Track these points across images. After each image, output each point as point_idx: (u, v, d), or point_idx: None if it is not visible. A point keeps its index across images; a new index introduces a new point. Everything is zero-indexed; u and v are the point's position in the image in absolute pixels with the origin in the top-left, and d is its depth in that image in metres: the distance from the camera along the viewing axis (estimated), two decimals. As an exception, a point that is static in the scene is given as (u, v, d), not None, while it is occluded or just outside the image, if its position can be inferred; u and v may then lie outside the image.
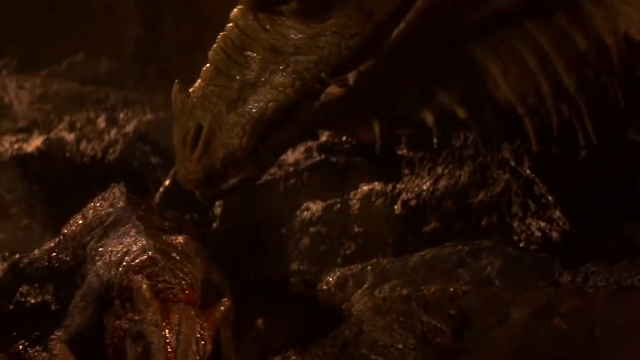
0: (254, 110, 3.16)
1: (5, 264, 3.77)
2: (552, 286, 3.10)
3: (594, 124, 3.22)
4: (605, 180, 3.49)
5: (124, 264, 3.15)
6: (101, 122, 5.82)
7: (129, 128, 5.50)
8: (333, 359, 3.00)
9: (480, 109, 3.33)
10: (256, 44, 3.14)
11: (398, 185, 3.99)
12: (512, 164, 3.62)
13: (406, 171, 4.04)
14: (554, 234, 3.47)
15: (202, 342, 2.86)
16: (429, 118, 3.27)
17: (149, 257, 3.12)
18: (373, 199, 4.01)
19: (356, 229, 4.00)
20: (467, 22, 3.12)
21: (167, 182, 4.47)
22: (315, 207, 4.14)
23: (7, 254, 4.01)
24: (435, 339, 2.92)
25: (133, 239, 3.29)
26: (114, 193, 3.74)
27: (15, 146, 5.37)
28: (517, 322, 2.84)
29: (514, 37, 3.16)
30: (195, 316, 2.90)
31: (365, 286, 3.44)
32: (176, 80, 3.29)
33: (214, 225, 4.44)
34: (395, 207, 3.95)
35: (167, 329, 2.83)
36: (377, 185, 4.04)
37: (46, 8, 8.13)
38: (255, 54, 3.16)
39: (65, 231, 3.68)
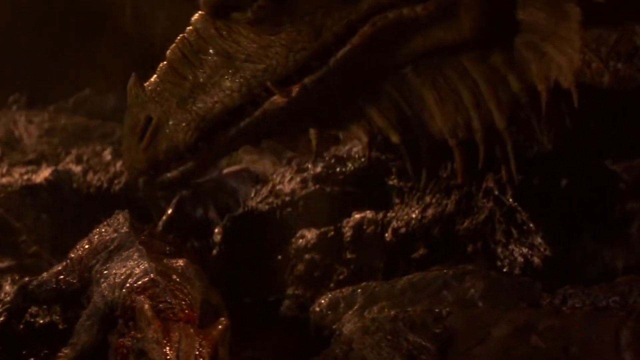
0: (200, 109, 3.26)
1: (15, 287, 3.77)
2: (532, 307, 3.14)
3: (517, 162, 3.37)
4: (583, 209, 3.54)
5: (127, 285, 3.19)
6: (107, 155, 5.86)
7: None
8: None
9: (414, 136, 3.45)
10: (211, 48, 3.25)
11: (389, 214, 4.02)
12: (496, 193, 3.66)
13: (396, 200, 4.06)
14: (536, 259, 3.50)
15: (201, 359, 2.90)
16: (363, 137, 3.43)
17: (151, 279, 3.16)
18: (365, 227, 4.04)
19: (349, 255, 4.02)
20: (407, 51, 3.23)
21: (169, 211, 4.52)
22: (310, 234, 4.16)
23: (17, 277, 4.09)
24: (421, 356, 2.96)
25: (136, 262, 3.33)
26: (118, 219, 3.79)
27: (25, 177, 5.41)
28: (498, 340, 2.91)
29: (452, 71, 3.28)
30: (194, 334, 2.95)
31: (355, 307, 3.46)
32: (133, 73, 3.40)
33: (214, 251, 4.44)
34: (386, 234, 3.96)
35: (168, 346, 2.88)
36: (369, 214, 4.06)
37: (54, 47, 8.15)
38: (209, 58, 3.26)
39: (72, 255, 3.71)
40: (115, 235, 3.67)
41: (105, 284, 3.33)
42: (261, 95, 3.24)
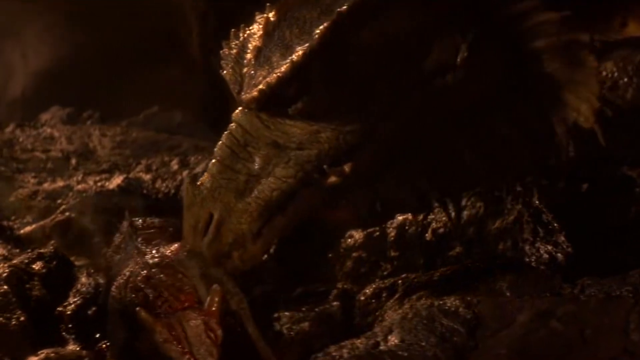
0: (260, 199, 3.29)
1: (90, 279, 4.10)
2: (553, 295, 3.32)
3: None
4: (602, 210, 3.71)
5: (130, 285, 3.38)
6: (174, 165, 6.10)
7: (199, 169, 5.62)
8: (366, 355, 3.17)
9: (456, 195, 3.69)
10: (259, 141, 3.26)
11: (429, 216, 4.16)
12: (524, 196, 3.81)
13: (435, 204, 4.07)
14: (559, 256, 3.64)
15: (212, 333, 3.06)
16: (412, 201, 3.58)
17: (144, 277, 3.34)
18: (407, 228, 4.20)
19: (392, 253, 4.19)
20: (448, 119, 3.36)
21: None
22: (358, 235, 4.33)
23: (91, 271, 4.29)
24: (453, 338, 3.15)
25: (134, 260, 3.52)
26: (125, 221, 4.03)
27: (99, 184, 5.67)
28: (521, 324, 3.11)
29: (484, 128, 3.44)
30: (196, 316, 3.11)
31: (396, 296, 3.64)
32: (187, 175, 3.47)
33: (271, 250, 4.43)
34: (426, 234, 4.12)
35: (176, 340, 3.06)
36: (410, 216, 4.21)
37: (126, 67, 8.40)
38: (258, 150, 3.27)
39: (101, 262, 4.00)
40: (122, 237, 3.92)
41: (116, 284, 3.51)
42: (315, 177, 3.31)
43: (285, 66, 3.11)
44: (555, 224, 3.74)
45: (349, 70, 3.16)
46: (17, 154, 6.92)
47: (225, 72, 3.44)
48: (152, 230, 3.87)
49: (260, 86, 3.16)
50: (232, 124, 3.35)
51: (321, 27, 3.10)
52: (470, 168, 3.50)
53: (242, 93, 3.28)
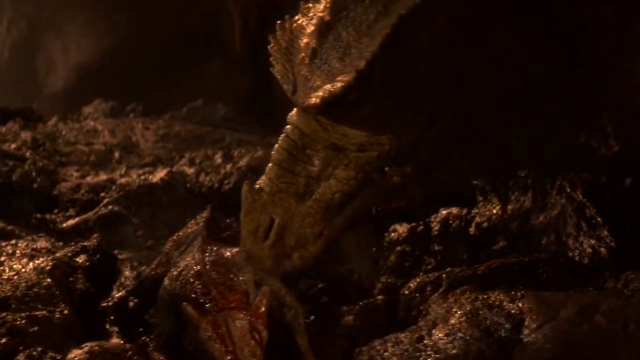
0: (321, 201, 3.30)
1: (134, 272, 4.17)
2: (596, 290, 3.33)
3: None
4: None
5: (182, 278, 3.38)
6: (218, 159, 6.13)
7: (242, 163, 5.80)
8: (411, 349, 3.21)
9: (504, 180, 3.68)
10: (317, 143, 3.28)
11: (472, 210, 4.19)
12: (568, 190, 3.81)
13: (480, 198, 4.23)
14: (602, 250, 3.64)
15: (257, 334, 3.07)
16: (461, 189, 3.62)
17: (196, 272, 3.33)
18: (451, 222, 4.24)
19: (436, 247, 4.22)
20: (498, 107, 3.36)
21: None
22: (402, 229, 4.36)
23: (135, 264, 4.36)
24: (497, 332, 3.16)
25: (192, 255, 3.51)
26: (202, 215, 4.01)
27: (142, 177, 5.71)
28: (565, 319, 3.11)
29: (533, 115, 3.45)
30: (243, 316, 3.11)
31: (440, 290, 3.63)
32: (245, 181, 3.44)
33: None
34: (470, 228, 4.14)
35: (219, 339, 3.05)
36: (454, 210, 4.25)
37: (170, 61, 8.48)
38: (317, 152, 3.28)
39: (164, 249, 3.97)
40: (195, 229, 3.91)
41: (169, 276, 3.53)
42: (375, 177, 3.33)
43: (350, 75, 3.08)
44: (599, 218, 3.72)
45: (407, 71, 3.15)
46: (60, 147, 6.94)
47: (275, 69, 3.42)
48: (222, 230, 3.89)
49: (322, 94, 3.13)
50: (288, 126, 3.35)
51: (382, 31, 3.08)
52: (517, 154, 3.54)
53: (300, 96, 3.25)
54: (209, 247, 3.54)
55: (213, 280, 3.29)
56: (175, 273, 3.47)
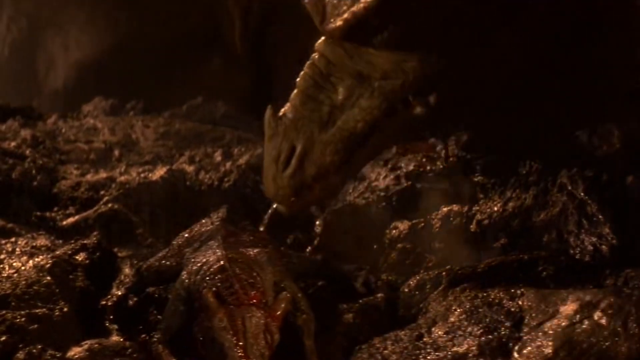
0: (344, 130, 3.25)
1: (134, 270, 4.13)
2: (597, 287, 3.30)
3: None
4: None
5: (202, 272, 3.40)
6: (217, 156, 6.14)
7: (242, 161, 5.81)
8: (411, 346, 3.21)
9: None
10: (342, 71, 3.24)
11: (473, 208, 4.20)
12: (569, 187, 3.80)
13: (480, 195, 4.24)
14: (604, 247, 3.62)
15: (269, 335, 3.09)
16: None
17: (220, 266, 3.36)
18: (452, 219, 4.25)
19: (437, 245, 4.23)
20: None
21: (274, 206, 4.63)
22: (403, 226, 4.38)
23: (135, 262, 4.32)
24: (496, 330, 3.16)
25: (212, 251, 3.53)
26: (217, 214, 4.06)
27: (142, 175, 5.69)
28: (565, 316, 3.10)
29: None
30: (260, 314, 3.13)
31: (440, 288, 3.62)
32: (269, 106, 3.41)
33: (315, 241, 4.68)
34: (471, 226, 4.14)
35: (233, 330, 3.06)
36: (455, 207, 4.27)
37: (169, 59, 8.46)
38: (341, 80, 3.25)
39: (174, 242, 4.00)
40: (210, 227, 3.94)
41: (186, 270, 3.56)
42: (399, 107, 3.24)
43: None
44: (600, 216, 3.72)
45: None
46: (59, 145, 6.92)
47: (307, 1, 3.33)
48: (241, 232, 3.90)
49: (346, 15, 3.08)
50: (314, 54, 3.32)
51: None
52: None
53: (326, 23, 3.18)
54: (228, 245, 3.57)
55: (236, 275, 3.31)
56: (194, 268, 3.49)
